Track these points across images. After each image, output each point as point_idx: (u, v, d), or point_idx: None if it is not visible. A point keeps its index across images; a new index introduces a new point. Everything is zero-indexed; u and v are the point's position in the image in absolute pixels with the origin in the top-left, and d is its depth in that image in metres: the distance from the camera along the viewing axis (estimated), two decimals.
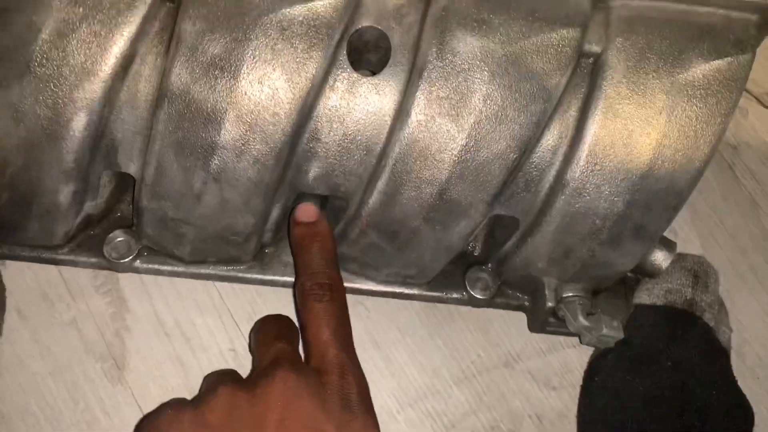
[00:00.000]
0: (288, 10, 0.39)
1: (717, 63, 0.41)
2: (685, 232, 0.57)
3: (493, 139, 0.41)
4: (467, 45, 0.40)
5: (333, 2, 0.39)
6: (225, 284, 0.50)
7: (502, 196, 0.44)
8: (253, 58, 0.39)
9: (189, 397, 0.41)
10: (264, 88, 0.39)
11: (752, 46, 0.42)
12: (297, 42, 0.39)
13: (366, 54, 0.43)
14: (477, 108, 0.40)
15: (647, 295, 0.50)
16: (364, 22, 0.41)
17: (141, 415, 0.47)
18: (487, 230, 0.51)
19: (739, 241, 0.57)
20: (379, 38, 0.42)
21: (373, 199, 0.43)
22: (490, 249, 0.50)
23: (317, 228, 0.46)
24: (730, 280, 0.56)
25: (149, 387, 0.48)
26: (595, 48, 0.41)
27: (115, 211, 0.50)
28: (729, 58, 0.41)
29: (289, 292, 0.50)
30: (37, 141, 0.40)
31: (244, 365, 0.49)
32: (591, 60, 0.42)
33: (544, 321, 0.49)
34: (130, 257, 0.48)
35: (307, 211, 0.46)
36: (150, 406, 0.47)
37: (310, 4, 0.39)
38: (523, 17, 0.41)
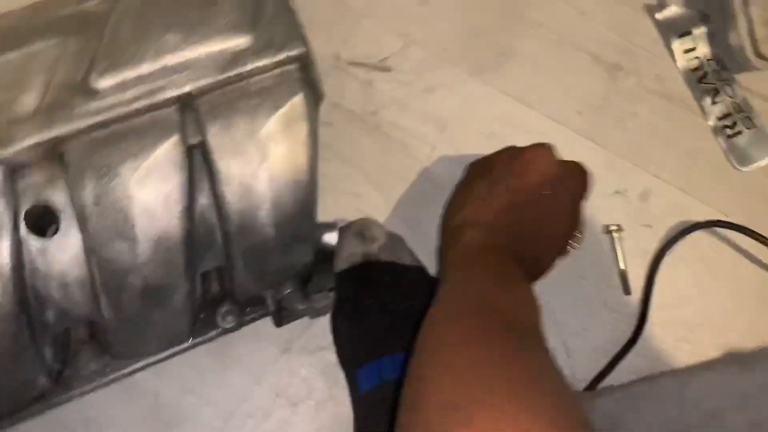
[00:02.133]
0: None
1: (280, 111, 0.57)
2: (367, 191, 0.75)
3: (160, 234, 0.56)
4: (112, 183, 0.54)
5: None
6: (51, 412, 0.63)
7: (195, 261, 0.59)
8: None
9: None
10: None
11: (301, 86, 0.58)
12: None
13: (45, 219, 0.56)
14: (137, 222, 0.54)
15: (337, 266, 0.67)
16: (29, 202, 0.54)
17: None
18: (217, 274, 0.67)
19: (402, 177, 0.76)
20: (46, 207, 0.55)
21: (107, 312, 0.58)
22: (220, 288, 0.66)
23: None
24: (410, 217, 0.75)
25: None
26: (196, 139, 0.56)
27: None
28: (287, 104, 0.57)
29: (105, 392, 0.64)
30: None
31: None
32: (200, 148, 0.57)
33: (280, 317, 0.66)
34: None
35: None
36: None
37: None
38: (132, 149, 0.55)
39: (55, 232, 0.56)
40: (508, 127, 0.78)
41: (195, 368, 0.67)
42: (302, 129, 0.58)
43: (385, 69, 0.79)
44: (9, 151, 0.52)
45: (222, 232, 0.58)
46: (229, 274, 0.62)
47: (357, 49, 0.79)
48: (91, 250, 0.54)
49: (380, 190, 0.75)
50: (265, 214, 0.58)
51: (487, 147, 0.70)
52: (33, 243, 0.54)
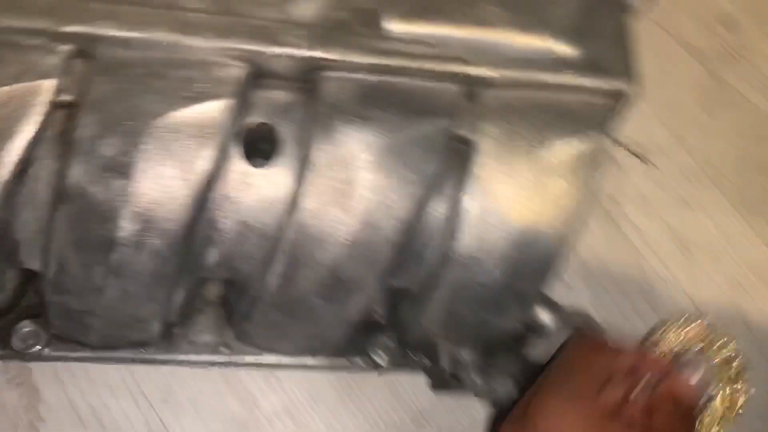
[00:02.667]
0: (176, 113, 0.42)
1: (575, 142, 0.46)
2: (575, 282, 0.62)
3: (378, 222, 0.44)
4: (350, 138, 0.43)
5: (220, 104, 0.42)
6: (137, 366, 0.51)
7: (394, 270, 0.47)
8: (146, 158, 0.41)
9: None
10: (158, 186, 0.41)
11: (601, 125, 0.46)
12: (188, 141, 0.42)
13: (260, 144, 0.46)
14: (362, 195, 0.43)
15: (537, 353, 0.53)
16: (255, 118, 0.44)
17: None
18: (388, 297, 0.54)
19: (623, 286, 0.62)
20: (270, 132, 0.45)
21: (272, 281, 0.46)
22: (391, 315, 0.53)
23: None
24: (617, 322, 0.61)
25: None
26: (467, 134, 0.46)
27: (23, 300, 0.51)
28: (584, 137, 0.46)
29: (202, 371, 0.52)
30: None
31: None
32: (464, 145, 0.46)
33: (444, 381, 0.52)
34: (39, 346, 0.49)
35: None
36: None
37: (197, 107, 0.42)
38: (401, 112, 0.44)
39: (264, 164, 0.45)
40: (761, 283, 0.64)
41: (312, 392, 0.54)
42: (588, 173, 0.46)
43: (645, 160, 0.67)
44: (268, 52, 0.43)
45: (441, 251, 0.46)
46: (417, 304, 0.49)
47: (624, 128, 0.68)
48: (297, 202, 0.43)
49: (590, 286, 0.62)
50: (500, 251, 0.46)
51: (727, 295, 0.56)
52: (237, 165, 0.44)
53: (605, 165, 0.47)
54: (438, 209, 0.46)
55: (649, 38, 0.64)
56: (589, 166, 0.46)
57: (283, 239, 0.44)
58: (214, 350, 0.52)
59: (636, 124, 0.72)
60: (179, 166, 0.42)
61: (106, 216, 0.41)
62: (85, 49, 0.42)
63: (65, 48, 0.42)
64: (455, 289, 0.47)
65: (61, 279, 0.43)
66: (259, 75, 0.44)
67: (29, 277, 0.49)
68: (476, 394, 0.51)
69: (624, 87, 0.46)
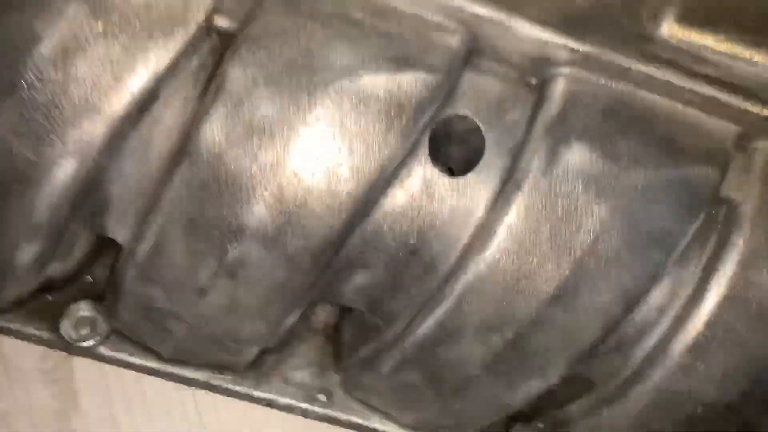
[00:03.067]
0: (370, 77, 0.30)
1: None
2: None
3: (596, 286, 0.31)
4: (585, 164, 0.31)
5: (425, 78, 0.31)
6: (205, 396, 0.39)
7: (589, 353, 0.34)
8: (315, 129, 0.29)
9: None
10: (320, 170, 0.30)
11: None
12: (373, 120, 0.30)
13: (446, 147, 0.34)
14: (585, 243, 0.31)
15: None
16: (457, 110, 0.32)
17: None
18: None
19: None
20: (470, 132, 0.33)
21: (424, 329, 0.33)
22: (543, 404, 0.40)
23: None
24: None
25: None
26: (734, 195, 0.33)
27: (88, 272, 0.39)
28: None
29: (283, 415, 0.39)
30: (5, 183, 0.29)
31: None
32: (724, 209, 0.33)
33: None
34: (94, 340, 0.37)
35: None
36: None
37: (397, 76, 0.30)
38: (656, 144, 0.32)
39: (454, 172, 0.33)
40: None
41: None
42: None
43: None
44: (499, 21, 0.31)
45: (657, 343, 0.34)
46: (600, 405, 0.36)
47: None
48: (491, 231, 0.31)
49: None
50: (737, 360, 0.33)
51: None
52: (422, 167, 0.32)
53: None
54: (671, 286, 0.34)
55: None
56: None
57: (459, 279, 0.32)
58: (309, 395, 0.39)
59: None
60: (353, 150, 0.30)
61: (240, 194, 0.30)
62: None
63: None
64: (662, 397, 0.34)
65: (152, 263, 0.32)
66: (475, 52, 0.32)
67: (104, 248, 0.38)
68: None
69: None
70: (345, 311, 0.39)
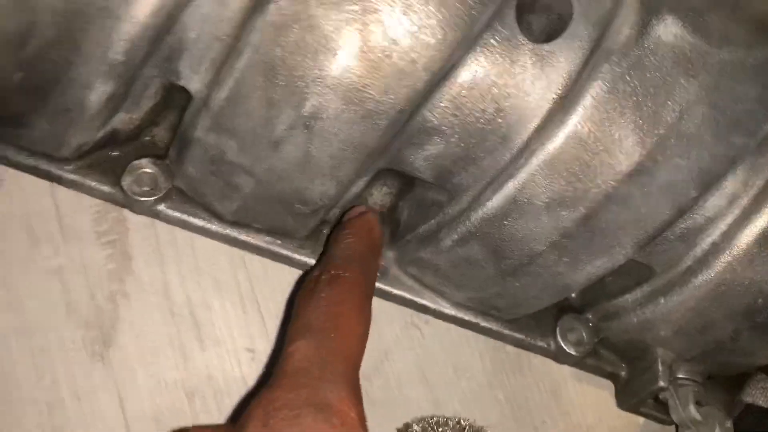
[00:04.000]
0: None
1: None
2: None
3: (676, 165, 0.31)
4: (677, 38, 0.30)
5: None
6: (257, 266, 0.39)
7: (651, 239, 0.34)
8: None
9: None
10: (406, 22, 0.29)
11: None
12: None
13: (528, 15, 0.33)
14: (670, 120, 0.30)
15: (763, 396, 0.41)
16: None
17: (118, 407, 0.36)
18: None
19: None
20: (558, 0, 0.32)
21: (493, 203, 0.33)
22: (594, 296, 0.40)
23: (360, 221, 0.36)
24: None
25: (136, 374, 0.36)
26: None
27: (148, 133, 0.38)
28: None
29: None
30: (84, 13, 0.28)
31: (260, 371, 0.38)
32: None
33: (641, 400, 0.40)
34: (154, 197, 0.36)
35: (356, 210, 0.37)
36: (132, 399, 0.36)
37: None
38: (747, 23, 0.31)
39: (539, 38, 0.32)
40: None
41: (456, 359, 0.41)
42: None
43: None
44: None
45: (719, 237, 0.33)
46: (653, 294, 0.36)
47: None
48: (571, 104, 0.30)
49: None
50: None
51: None
52: (505, 31, 0.31)
53: None
54: (745, 174, 0.33)
55: None
56: None
57: (532, 150, 0.31)
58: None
59: None
60: (441, 8, 0.29)
61: (324, 41, 0.29)
62: None
63: None
64: (723, 287, 0.34)
65: (227, 113, 0.31)
66: None
67: (170, 102, 0.37)
68: (682, 426, 0.38)
69: None
70: (401, 193, 0.39)
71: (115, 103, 0.32)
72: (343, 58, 0.29)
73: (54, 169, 0.36)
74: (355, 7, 0.28)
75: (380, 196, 0.40)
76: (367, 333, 0.31)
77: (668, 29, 0.30)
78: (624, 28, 0.30)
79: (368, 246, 0.35)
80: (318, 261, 0.37)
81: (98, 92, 0.31)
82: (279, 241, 0.37)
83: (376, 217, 0.37)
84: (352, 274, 0.32)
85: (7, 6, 0.28)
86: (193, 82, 0.32)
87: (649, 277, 0.36)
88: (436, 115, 0.32)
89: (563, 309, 0.41)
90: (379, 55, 0.29)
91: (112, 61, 0.29)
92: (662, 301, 0.36)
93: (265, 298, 0.40)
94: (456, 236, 0.35)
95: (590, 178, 0.31)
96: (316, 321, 0.30)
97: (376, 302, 0.35)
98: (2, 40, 0.29)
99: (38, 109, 0.32)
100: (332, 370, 0.28)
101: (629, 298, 0.38)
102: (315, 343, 0.29)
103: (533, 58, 0.31)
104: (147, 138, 0.37)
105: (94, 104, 0.31)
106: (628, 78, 0.30)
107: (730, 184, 0.33)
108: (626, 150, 0.31)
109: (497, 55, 0.31)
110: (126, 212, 0.38)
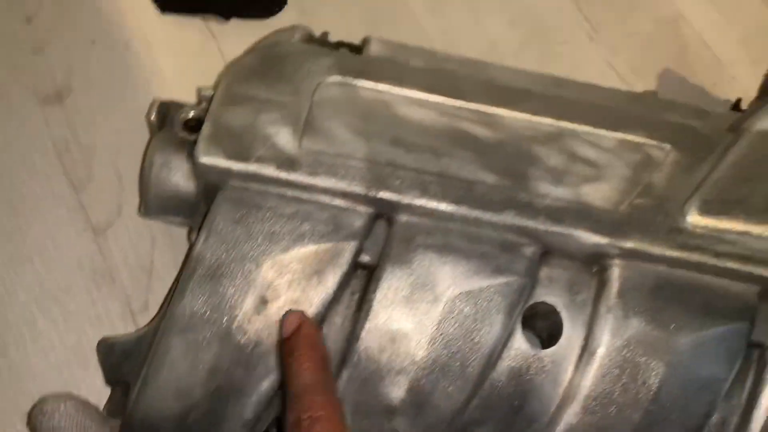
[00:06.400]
0: (472, 280, 0.41)
1: None
2: None
3: (663, 428, 0.41)
4: (642, 333, 0.41)
5: (515, 282, 0.41)
6: None
7: None
8: (438, 330, 0.41)
9: None
10: (445, 359, 0.41)
11: None
12: (482, 316, 0.41)
13: (533, 322, 0.45)
14: (650, 395, 0.41)
15: None
16: (539, 297, 0.43)
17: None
18: None
19: None
20: (550, 312, 0.43)
21: None
22: None
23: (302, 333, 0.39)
24: None
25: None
26: (763, 339, 0.42)
27: None
28: None
29: None
30: (225, 394, 0.41)
31: None
32: (757, 352, 0.43)
33: None
34: None
35: (291, 322, 0.40)
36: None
37: (496, 279, 0.41)
38: (696, 310, 0.42)
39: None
40: None
41: None
42: None
43: None
44: (563, 233, 0.42)
45: None
46: None
47: None
48: (572, 395, 0.42)
49: None
50: None
51: None
52: (516, 343, 0.43)
53: None
54: (722, 418, 0.43)
55: None
56: None
57: (555, 430, 0.42)
58: None
59: None
60: (473, 340, 0.41)
61: (386, 383, 0.41)
62: (387, 213, 0.43)
63: (369, 211, 0.43)
64: None
65: None
66: (546, 253, 0.43)
67: None
68: None
69: None
70: None
71: None
72: (401, 393, 0.41)
73: None
74: (403, 359, 0.41)
75: None
76: None
77: (635, 327, 0.41)
78: (604, 331, 0.41)
79: (323, 366, 0.38)
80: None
81: None
82: None
83: (314, 325, 0.40)
84: (326, 412, 0.35)
85: (172, 394, 0.42)
86: None
87: None
88: (477, 411, 0.43)
89: None
90: (428, 388, 0.41)
91: (246, 421, 0.42)
92: None
93: None
94: None
95: None
96: None
97: None
98: (170, 415, 0.42)
99: None
100: None
101: None
102: None
103: (541, 360, 0.42)
104: None
105: None
106: (612, 368, 0.41)
107: (712, 428, 0.43)
108: (622, 423, 0.41)
109: (516, 362, 0.42)
110: None
